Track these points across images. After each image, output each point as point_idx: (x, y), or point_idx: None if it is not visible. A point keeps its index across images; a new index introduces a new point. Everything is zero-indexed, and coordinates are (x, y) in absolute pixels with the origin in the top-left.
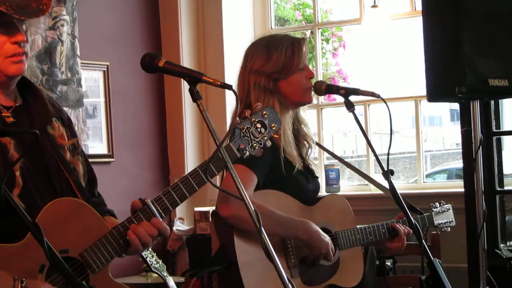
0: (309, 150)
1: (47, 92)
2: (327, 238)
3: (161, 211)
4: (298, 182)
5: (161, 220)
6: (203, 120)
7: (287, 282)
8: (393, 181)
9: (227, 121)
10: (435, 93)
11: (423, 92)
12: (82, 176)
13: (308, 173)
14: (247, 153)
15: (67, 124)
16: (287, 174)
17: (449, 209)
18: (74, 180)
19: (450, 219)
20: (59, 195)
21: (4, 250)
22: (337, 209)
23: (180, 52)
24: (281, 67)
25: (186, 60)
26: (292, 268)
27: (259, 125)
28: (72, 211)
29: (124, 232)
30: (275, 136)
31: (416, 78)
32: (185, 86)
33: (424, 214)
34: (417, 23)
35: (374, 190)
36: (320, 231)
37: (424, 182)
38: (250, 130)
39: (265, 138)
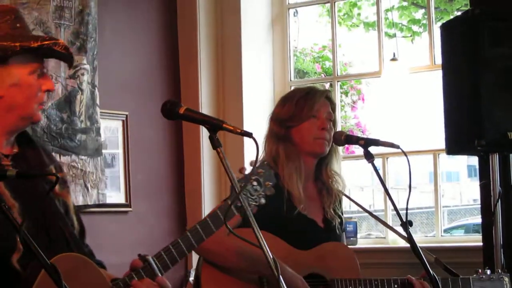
0: (333, 202)
1: (66, 141)
2: (298, 276)
3: (161, 268)
4: (296, 224)
5: (164, 278)
6: (221, 169)
7: None
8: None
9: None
10: (454, 146)
11: (441, 145)
12: (76, 226)
13: (326, 224)
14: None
15: (59, 170)
16: (288, 215)
17: (502, 278)
18: (70, 231)
19: None
20: (53, 244)
21: None
22: (338, 257)
23: (199, 103)
24: (291, 114)
25: (205, 111)
26: None
27: (255, 183)
28: (77, 267)
29: None
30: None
31: (434, 132)
32: (203, 134)
33: (460, 277)
34: (437, 76)
35: (391, 243)
36: (289, 270)
37: (442, 236)
38: (247, 188)
39: (260, 196)
